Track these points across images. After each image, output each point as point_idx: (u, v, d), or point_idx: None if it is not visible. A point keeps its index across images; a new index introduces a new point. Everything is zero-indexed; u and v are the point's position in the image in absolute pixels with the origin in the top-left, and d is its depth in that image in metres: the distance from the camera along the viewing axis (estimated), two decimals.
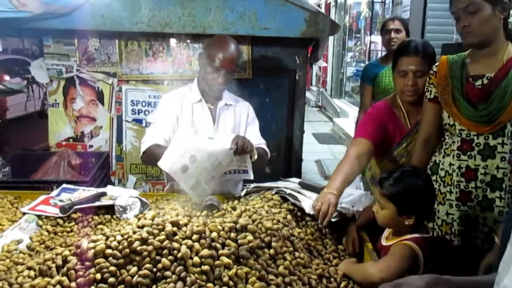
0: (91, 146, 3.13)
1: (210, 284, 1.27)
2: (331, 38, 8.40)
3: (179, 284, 1.26)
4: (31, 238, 1.65)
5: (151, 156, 2.18)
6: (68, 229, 1.74)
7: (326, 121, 10.25)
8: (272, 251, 1.44)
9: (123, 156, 3.15)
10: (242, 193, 2.12)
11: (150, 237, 1.36)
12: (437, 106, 1.88)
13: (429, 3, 5.38)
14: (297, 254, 1.50)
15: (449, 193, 1.85)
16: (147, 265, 1.29)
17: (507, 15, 1.69)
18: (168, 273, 1.29)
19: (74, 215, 1.79)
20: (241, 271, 1.31)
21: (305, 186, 2.03)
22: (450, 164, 1.84)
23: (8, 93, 5.68)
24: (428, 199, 1.62)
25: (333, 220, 1.73)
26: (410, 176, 1.60)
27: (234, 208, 1.85)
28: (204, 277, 1.29)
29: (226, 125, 2.31)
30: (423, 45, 2.01)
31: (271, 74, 3.08)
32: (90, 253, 1.31)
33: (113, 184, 3.00)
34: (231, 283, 1.29)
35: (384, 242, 1.68)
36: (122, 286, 1.26)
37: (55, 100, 3.07)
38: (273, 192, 2.00)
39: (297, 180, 2.20)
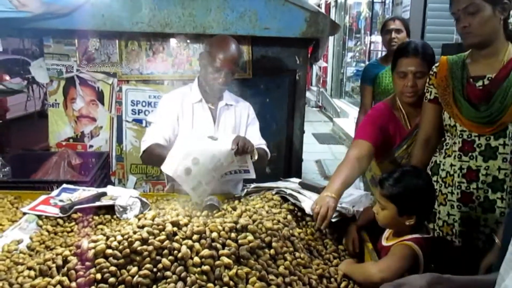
0: (91, 146, 3.13)
1: (210, 284, 1.27)
2: (331, 38, 8.40)
3: (180, 284, 1.26)
4: (31, 238, 1.65)
5: (151, 156, 2.18)
6: (68, 229, 1.73)
7: (326, 121, 10.26)
8: (272, 251, 1.44)
9: (123, 156, 3.15)
10: (243, 193, 2.12)
11: (150, 237, 1.35)
12: (437, 107, 1.88)
13: (429, 3, 5.38)
14: (297, 254, 1.50)
15: (450, 194, 1.85)
16: (148, 265, 1.29)
17: (507, 15, 1.69)
18: (168, 273, 1.28)
19: (74, 215, 1.79)
20: (242, 271, 1.31)
21: (305, 186, 2.03)
22: (451, 165, 1.83)
23: (8, 93, 5.68)
24: (428, 199, 1.62)
25: (333, 220, 1.73)
26: (411, 176, 1.60)
27: (234, 208, 1.85)
28: (204, 277, 1.29)
29: (226, 125, 2.31)
30: (423, 46, 2.01)
31: (271, 74, 3.08)
32: (91, 253, 1.31)
33: (113, 184, 3.00)
34: (231, 283, 1.29)
35: (384, 243, 1.68)
36: (123, 286, 1.26)
37: (55, 100, 3.07)
38: (274, 192, 2.00)
39: (297, 180, 2.20)
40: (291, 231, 1.61)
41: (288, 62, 3.07)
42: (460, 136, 1.79)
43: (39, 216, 1.79)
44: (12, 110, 5.70)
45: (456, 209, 1.83)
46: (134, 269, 1.29)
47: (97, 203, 1.86)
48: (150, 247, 1.33)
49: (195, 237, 1.38)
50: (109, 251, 1.32)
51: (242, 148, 1.95)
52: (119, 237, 1.36)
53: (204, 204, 1.84)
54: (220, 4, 2.82)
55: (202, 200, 1.88)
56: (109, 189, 2.04)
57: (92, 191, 2.03)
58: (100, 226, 1.74)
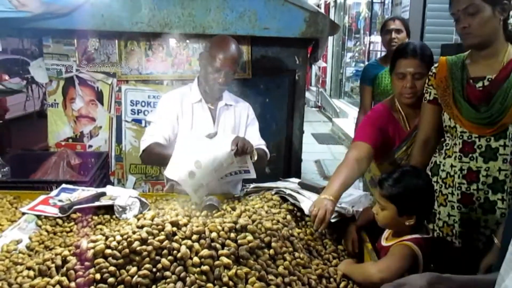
0: (90, 146, 3.13)
1: (209, 284, 1.27)
2: (330, 38, 8.40)
3: (179, 284, 1.26)
4: (30, 238, 1.65)
5: (151, 155, 2.18)
6: (68, 229, 1.73)
7: (326, 121, 10.26)
8: (271, 251, 1.44)
9: (122, 156, 3.15)
10: (242, 194, 2.12)
11: (149, 237, 1.35)
12: (436, 108, 1.88)
13: (429, 3, 5.38)
14: (296, 254, 1.50)
15: (450, 194, 1.84)
16: (147, 265, 1.29)
17: (506, 16, 1.69)
18: (167, 273, 1.28)
19: (74, 215, 1.79)
20: (241, 271, 1.31)
21: (304, 186, 2.03)
22: (452, 166, 1.83)
23: (8, 93, 5.67)
24: (428, 199, 1.62)
25: (332, 220, 1.73)
26: (410, 176, 1.60)
27: (233, 208, 1.85)
28: (203, 277, 1.29)
29: (226, 126, 2.31)
30: (421, 47, 2.01)
31: (270, 74, 3.08)
32: (90, 253, 1.31)
33: (113, 184, 3.00)
34: (230, 283, 1.29)
35: (384, 243, 1.68)
36: (122, 286, 1.26)
37: (55, 100, 3.07)
38: (273, 192, 2.00)
39: (297, 180, 2.20)
40: (290, 231, 1.61)
41: (287, 62, 3.07)
42: (461, 137, 1.79)
43: (38, 216, 1.79)
44: (11, 110, 5.69)
45: (457, 210, 1.83)
46: (133, 269, 1.28)
47: (96, 203, 1.86)
48: (150, 247, 1.32)
49: (194, 237, 1.38)
50: (108, 251, 1.31)
51: (241, 148, 1.95)
52: (118, 237, 1.36)
53: (203, 204, 1.84)
54: (220, 4, 2.82)
55: (201, 200, 1.88)
56: (108, 189, 2.04)
57: (91, 191, 2.03)
58: (99, 226, 1.74)
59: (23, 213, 1.82)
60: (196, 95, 2.30)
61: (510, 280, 0.87)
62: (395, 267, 1.46)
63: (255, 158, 2.06)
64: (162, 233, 1.38)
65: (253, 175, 2.08)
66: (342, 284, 1.49)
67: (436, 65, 1.91)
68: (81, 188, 2.08)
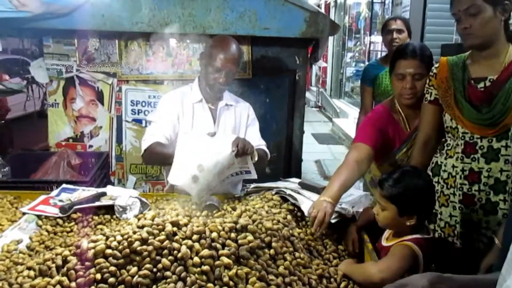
0: (90, 146, 3.13)
1: (210, 284, 1.27)
2: (330, 38, 8.40)
3: (179, 284, 1.26)
4: (31, 238, 1.65)
5: (152, 154, 2.19)
6: (68, 229, 1.73)
7: (326, 121, 10.26)
8: (272, 251, 1.44)
9: (123, 156, 3.15)
10: (242, 194, 2.12)
11: (150, 237, 1.35)
12: (437, 108, 1.87)
13: (429, 3, 5.39)
14: (297, 254, 1.50)
15: (452, 195, 1.84)
16: (147, 265, 1.29)
17: (508, 16, 1.68)
18: (168, 273, 1.28)
19: (74, 215, 1.79)
20: (241, 271, 1.31)
21: (305, 186, 2.03)
22: (453, 166, 1.83)
23: (8, 93, 5.67)
24: (429, 198, 1.62)
25: (332, 221, 1.73)
26: (410, 176, 1.60)
27: (234, 208, 1.85)
28: (204, 277, 1.29)
29: (226, 126, 2.31)
30: (421, 48, 2.00)
31: (271, 74, 3.08)
32: (90, 253, 1.31)
33: (113, 184, 3.00)
34: (231, 283, 1.29)
35: (384, 243, 1.68)
36: (122, 286, 1.26)
37: (55, 100, 3.07)
38: (273, 192, 2.00)
39: (297, 180, 2.20)
40: (291, 231, 1.61)
41: (288, 62, 3.07)
42: (462, 138, 1.78)
43: (38, 216, 1.79)
44: (11, 110, 5.70)
45: (458, 210, 1.82)
46: (134, 269, 1.29)
47: (97, 203, 1.86)
48: (150, 247, 1.32)
49: (195, 237, 1.38)
50: (108, 251, 1.31)
51: (242, 149, 1.95)
52: (118, 237, 1.36)
53: (204, 204, 1.84)
54: (220, 4, 2.82)
55: (202, 200, 1.88)
56: (109, 189, 2.04)
57: (92, 191, 2.03)
58: (99, 226, 1.74)
59: (24, 213, 1.81)
60: (197, 95, 2.30)
61: None
62: (396, 267, 1.46)
63: (256, 158, 2.06)
64: (163, 233, 1.38)
65: (254, 175, 2.08)
66: (342, 284, 1.49)
67: (436, 65, 1.90)
68: (82, 188, 2.08)
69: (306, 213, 1.77)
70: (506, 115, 1.66)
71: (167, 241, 1.36)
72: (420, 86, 1.95)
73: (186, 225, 1.45)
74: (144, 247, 1.32)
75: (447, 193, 1.85)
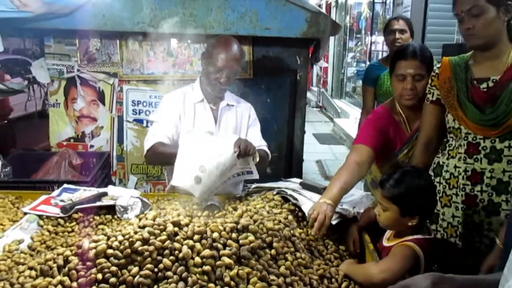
0: (92, 146, 3.14)
1: (211, 285, 1.27)
2: (331, 38, 8.41)
3: (181, 284, 1.26)
4: (32, 238, 1.65)
5: (155, 155, 2.19)
6: (69, 229, 1.73)
7: (327, 121, 10.26)
8: (273, 251, 1.44)
9: (124, 156, 3.15)
10: (243, 194, 2.12)
11: (151, 237, 1.35)
12: (439, 108, 1.87)
13: (430, 3, 5.39)
14: (298, 254, 1.50)
15: (455, 195, 1.83)
16: (149, 265, 1.29)
17: (511, 17, 1.67)
18: (169, 273, 1.28)
19: (75, 215, 1.79)
20: (243, 272, 1.31)
21: (306, 186, 2.03)
22: (456, 167, 1.82)
23: (9, 93, 5.67)
24: (430, 198, 1.62)
25: (333, 222, 1.73)
26: (411, 176, 1.60)
27: (235, 209, 1.85)
28: (205, 277, 1.29)
29: (227, 126, 2.32)
30: (421, 48, 2.00)
31: (272, 74, 3.08)
32: (92, 253, 1.31)
33: (114, 184, 3.00)
34: (232, 283, 1.28)
35: (385, 243, 1.68)
36: (124, 286, 1.26)
37: (56, 100, 3.08)
38: (274, 193, 2.00)
39: (298, 180, 2.19)
40: (292, 231, 1.61)
41: (289, 62, 3.07)
42: (465, 138, 1.78)
43: (40, 216, 1.79)
44: (13, 110, 5.71)
45: (461, 211, 1.82)
46: (135, 269, 1.28)
47: (98, 203, 1.86)
48: (151, 247, 1.33)
49: (196, 237, 1.38)
50: (110, 251, 1.31)
51: (244, 150, 1.94)
52: (120, 237, 1.36)
53: (205, 204, 1.84)
54: (221, 4, 2.82)
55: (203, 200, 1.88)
56: (110, 189, 2.04)
57: (93, 191, 2.03)
58: (101, 226, 1.74)
59: (25, 213, 1.82)
60: (198, 95, 2.30)
61: None
62: (397, 267, 1.46)
63: (257, 159, 2.06)
64: (164, 233, 1.38)
65: (255, 175, 2.08)
66: (343, 285, 1.49)
67: (438, 65, 1.89)
68: (83, 188, 2.08)
69: (307, 215, 1.77)
70: (509, 115, 1.66)
71: (168, 241, 1.36)
72: (420, 87, 1.95)
73: (187, 225, 1.45)
74: (145, 247, 1.32)
75: (450, 193, 1.85)
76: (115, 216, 1.81)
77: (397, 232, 1.65)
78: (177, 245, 1.35)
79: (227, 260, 1.32)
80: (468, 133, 1.76)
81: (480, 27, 1.65)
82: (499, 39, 1.69)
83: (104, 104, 3.09)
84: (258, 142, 2.31)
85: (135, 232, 1.37)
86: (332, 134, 8.81)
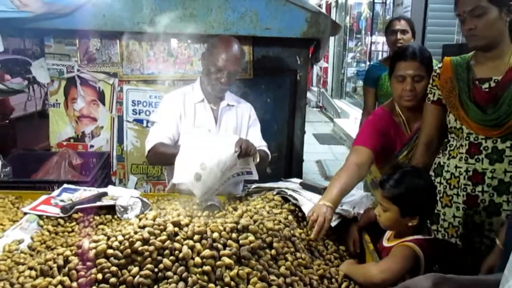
0: (92, 146, 3.13)
1: (211, 285, 1.27)
2: (331, 38, 8.41)
3: (181, 284, 1.26)
4: (32, 238, 1.65)
5: (157, 155, 2.19)
6: (69, 229, 1.73)
7: (327, 121, 10.27)
8: (273, 251, 1.44)
9: (124, 156, 3.15)
10: (243, 194, 2.12)
11: (151, 237, 1.35)
12: (440, 109, 1.86)
13: (430, 3, 5.39)
14: (298, 254, 1.50)
15: (456, 196, 1.83)
16: (149, 265, 1.29)
17: None
18: (169, 273, 1.28)
19: (75, 215, 1.79)
20: (243, 272, 1.31)
21: (306, 186, 2.03)
22: (457, 167, 1.82)
23: (9, 93, 5.68)
24: (431, 198, 1.62)
25: (332, 224, 1.72)
26: (411, 177, 1.59)
27: (235, 209, 1.85)
28: (205, 277, 1.29)
29: (228, 126, 2.32)
30: (420, 49, 2.00)
31: (272, 74, 3.08)
32: (92, 253, 1.31)
33: (114, 184, 3.00)
34: (232, 283, 1.28)
35: (385, 243, 1.67)
36: (124, 286, 1.26)
37: (56, 100, 3.08)
38: (274, 193, 2.00)
39: (298, 180, 2.19)
40: (292, 231, 1.61)
41: (289, 62, 3.07)
42: (467, 138, 1.78)
43: (40, 216, 1.79)
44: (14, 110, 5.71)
45: (462, 211, 1.81)
46: (135, 269, 1.28)
47: (98, 203, 1.86)
48: (151, 247, 1.32)
49: (196, 237, 1.38)
50: (110, 251, 1.31)
51: (245, 150, 1.95)
52: (120, 237, 1.36)
53: (205, 204, 1.84)
54: (221, 5, 2.82)
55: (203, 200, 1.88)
56: (110, 189, 2.04)
57: (93, 191, 2.03)
58: (101, 226, 1.74)
59: (25, 213, 1.81)
60: (199, 95, 2.30)
61: None
62: (397, 268, 1.46)
63: (258, 160, 2.06)
64: (164, 233, 1.38)
65: (255, 176, 2.08)
66: (343, 285, 1.49)
67: (439, 65, 1.89)
68: (83, 188, 2.08)
69: (306, 216, 1.77)
70: (511, 116, 1.65)
71: (168, 241, 1.35)
72: (420, 88, 1.95)
73: (187, 225, 1.45)
74: (146, 247, 1.32)
75: (450, 193, 1.85)
76: (115, 216, 1.81)
77: (397, 232, 1.65)
78: (177, 245, 1.34)
79: (227, 260, 1.32)
80: (470, 133, 1.76)
81: (482, 27, 1.65)
82: (501, 39, 1.69)
83: (104, 104, 3.09)
84: (258, 142, 2.31)
85: (135, 232, 1.37)
86: (332, 134, 8.82)
